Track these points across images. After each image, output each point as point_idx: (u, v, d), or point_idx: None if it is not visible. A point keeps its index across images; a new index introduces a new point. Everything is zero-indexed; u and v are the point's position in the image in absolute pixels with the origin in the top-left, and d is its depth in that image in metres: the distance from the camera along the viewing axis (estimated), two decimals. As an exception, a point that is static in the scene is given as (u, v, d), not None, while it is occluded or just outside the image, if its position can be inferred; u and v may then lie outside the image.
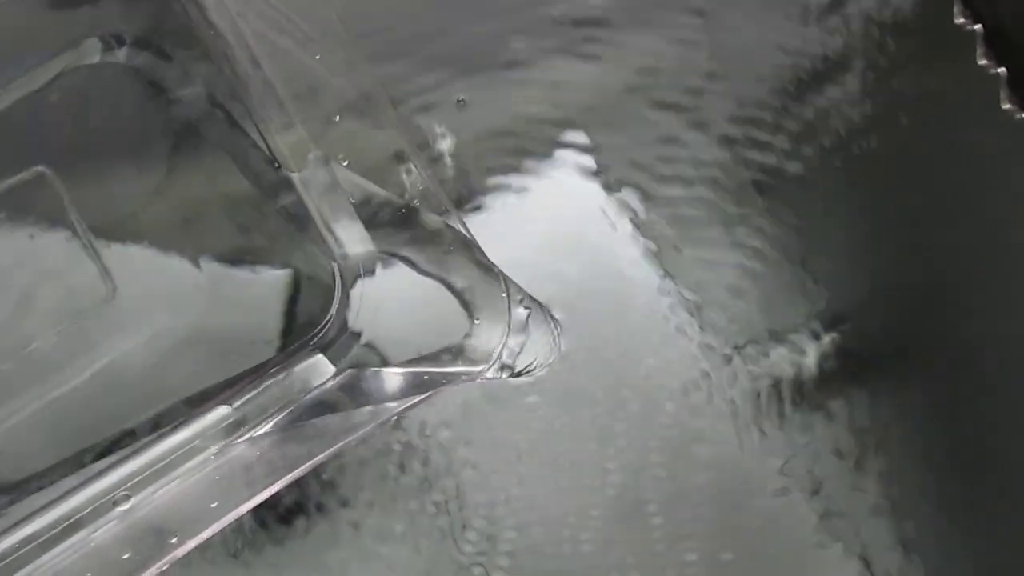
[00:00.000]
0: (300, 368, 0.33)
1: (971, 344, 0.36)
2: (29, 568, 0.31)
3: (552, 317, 0.33)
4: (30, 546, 0.31)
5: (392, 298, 0.33)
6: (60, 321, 0.33)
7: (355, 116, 0.32)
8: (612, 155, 0.38)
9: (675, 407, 0.38)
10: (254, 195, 0.34)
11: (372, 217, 0.33)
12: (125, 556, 0.30)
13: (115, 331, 0.33)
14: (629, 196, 0.38)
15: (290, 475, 0.30)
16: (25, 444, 0.32)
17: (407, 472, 0.37)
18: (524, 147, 0.38)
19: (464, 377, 0.31)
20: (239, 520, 0.34)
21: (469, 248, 0.32)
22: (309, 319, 0.34)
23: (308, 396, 0.32)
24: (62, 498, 0.32)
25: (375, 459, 0.37)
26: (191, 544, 0.30)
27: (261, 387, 0.33)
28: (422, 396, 0.31)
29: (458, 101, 0.38)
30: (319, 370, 0.33)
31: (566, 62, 0.38)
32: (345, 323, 0.33)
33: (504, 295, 0.32)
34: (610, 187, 0.38)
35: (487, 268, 0.32)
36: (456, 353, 0.32)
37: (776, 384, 0.38)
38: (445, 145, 0.38)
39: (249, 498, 0.30)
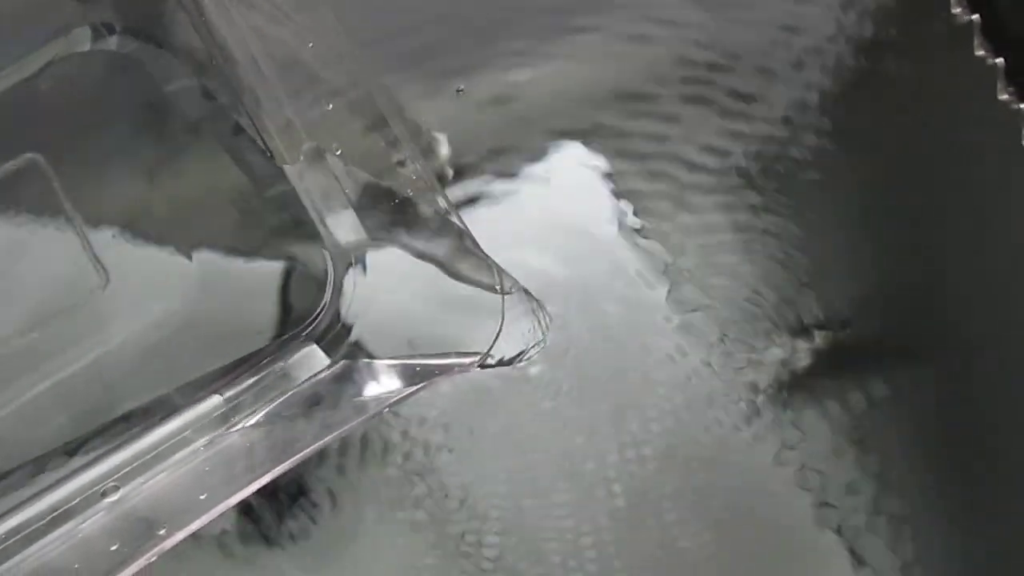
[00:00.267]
0: (293, 359, 0.33)
1: (970, 342, 0.36)
2: (16, 559, 0.30)
3: (543, 307, 0.33)
4: (16, 537, 0.31)
5: (385, 288, 0.33)
6: (51, 311, 0.33)
7: (349, 105, 0.31)
8: (610, 149, 0.38)
9: (671, 403, 0.38)
10: (247, 185, 0.34)
11: (365, 207, 0.33)
12: (113, 547, 0.30)
13: (106, 321, 0.33)
14: (626, 190, 0.38)
15: (281, 466, 0.30)
16: (15, 434, 0.32)
17: (401, 464, 0.37)
18: (522, 138, 0.38)
19: (457, 368, 0.31)
20: (231, 511, 0.33)
21: (463, 238, 0.32)
22: (302, 310, 0.34)
23: (300, 387, 0.32)
24: (49, 489, 0.31)
25: (368, 451, 0.36)
26: (180, 536, 0.29)
27: (253, 378, 0.32)
28: (415, 387, 0.31)
29: (457, 91, 0.37)
30: (312, 361, 0.33)
31: (567, 50, 0.38)
32: (338, 313, 0.33)
33: (497, 285, 0.32)
34: (607, 180, 0.38)
35: (480, 258, 0.32)
36: (449, 344, 0.32)
37: (774, 382, 0.38)
38: (441, 136, 0.37)
39: (239, 489, 0.30)
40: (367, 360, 0.32)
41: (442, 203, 0.32)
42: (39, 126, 0.33)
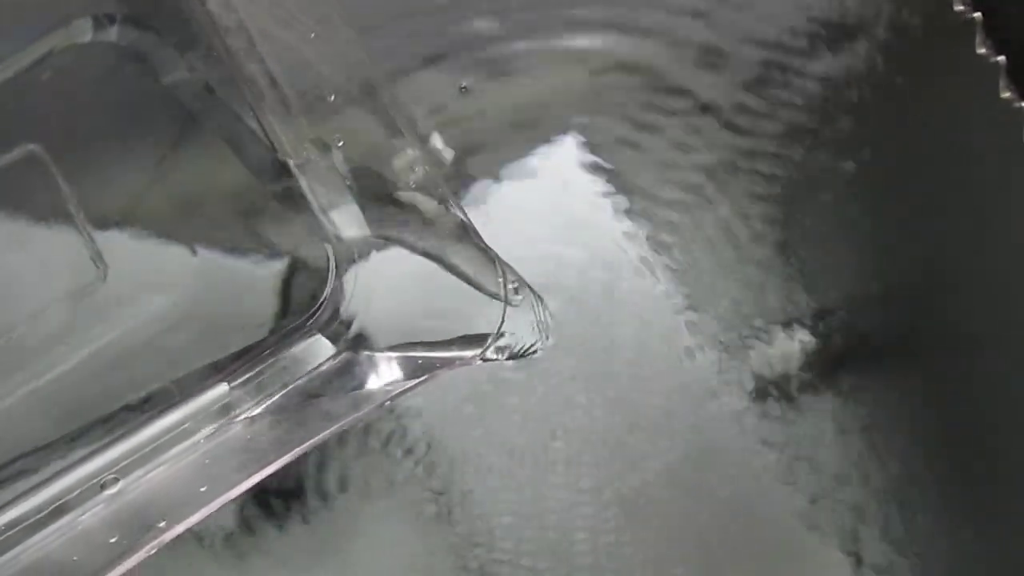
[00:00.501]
0: (295, 350, 0.33)
1: (971, 341, 0.36)
2: (15, 551, 0.30)
3: (542, 302, 0.32)
4: (16, 529, 0.31)
5: (387, 282, 0.33)
6: (51, 303, 0.33)
7: (351, 98, 0.31)
8: (611, 146, 0.38)
9: (671, 400, 0.38)
10: (248, 177, 0.34)
11: (368, 200, 0.32)
12: (112, 540, 0.30)
13: (106, 313, 0.33)
14: (627, 188, 0.38)
15: (281, 459, 0.30)
16: (15, 426, 0.32)
17: (400, 462, 0.36)
18: (525, 135, 0.38)
19: (459, 362, 0.31)
20: (230, 507, 0.33)
21: (465, 232, 0.32)
22: (303, 302, 0.34)
23: (302, 378, 0.32)
24: (49, 481, 0.31)
25: (370, 445, 0.36)
26: (179, 528, 0.29)
27: (255, 369, 0.32)
28: (417, 380, 0.31)
29: (461, 88, 0.37)
30: (314, 352, 0.33)
31: (568, 48, 0.38)
32: (339, 306, 0.33)
33: (500, 279, 0.32)
34: (608, 178, 0.38)
35: (483, 252, 0.32)
36: (451, 337, 0.32)
37: (773, 379, 0.38)
38: (443, 133, 0.37)
39: (239, 483, 0.30)
40: (369, 353, 0.32)
41: (445, 196, 0.31)
42: (39, 117, 0.33)
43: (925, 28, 0.36)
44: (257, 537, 0.36)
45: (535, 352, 0.33)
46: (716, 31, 0.38)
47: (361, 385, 0.32)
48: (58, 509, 0.31)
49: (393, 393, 0.31)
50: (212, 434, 0.32)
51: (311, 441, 0.31)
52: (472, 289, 0.32)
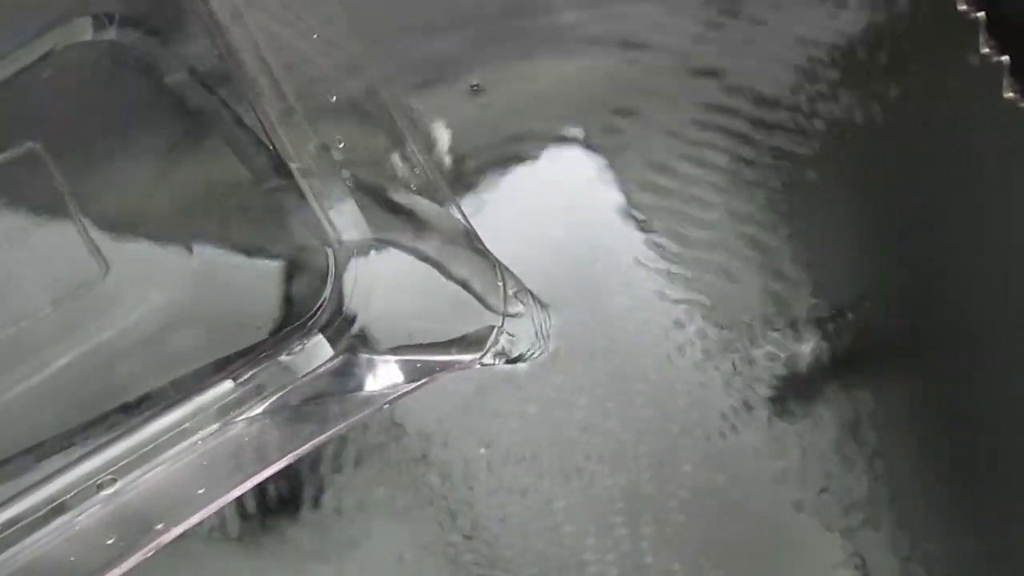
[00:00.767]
0: (293, 352, 0.33)
1: (972, 341, 0.36)
2: (11, 551, 0.30)
3: (544, 306, 0.32)
4: (12, 529, 0.30)
5: (386, 284, 0.33)
6: (49, 300, 0.33)
7: (352, 98, 0.31)
8: (612, 145, 0.38)
9: (671, 401, 0.38)
10: (248, 177, 0.34)
11: (368, 203, 0.32)
12: (110, 541, 0.30)
13: (105, 311, 0.33)
14: (627, 186, 0.38)
15: (279, 462, 0.30)
16: (12, 423, 0.32)
17: (399, 464, 0.36)
18: (523, 133, 0.38)
19: (458, 365, 0.31)
20: (228, 508, 0.33)
21: (466, 236, 0.31)
22: (303, 304, 0.34)
23: (300, 381, 0.32)
24: (45, 480, 0.31)
25: (369, 447, 0.36)
26: (177, 531, 0.29)
27: (253, 370, 0.32)
28: (416, 383, 0.31)
29: (472, 87, 0.37)
30: (313, 355, 0.33)
31: (568, 48, 0.38)
32: (339, 308, 0.33)
33: (500, 284, 0.32)
34: (608, 176, 0.38)
35: (483, 256, 0.32)
36: (450, 340, 0.32)
37: (775, 380, 0.38)
38: (443, 131, 0.37)
39: (237, 484, 0.30)
40: (368, 355, 0.32)
41: (446, 199, 0.31)
42: (39, 115, 0.33)
43: (928, 27, 0.36)
44: (256, 538, 0.36)
45: (534, 356, 0.33)
46: (718, 34, 0.38)
47: (360, 387, 0.32)
48: (55, 509, 0.31)
49: (392, 396, 0.31)
50: (210, 435, 0.32)
51: (310, 443, 0.30)
52: (472, 293, 0.32)
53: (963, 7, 0.34)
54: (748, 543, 0.37)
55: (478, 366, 0.31)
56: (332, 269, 0.33)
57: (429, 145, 0.37)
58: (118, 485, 0.31)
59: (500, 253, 0.32)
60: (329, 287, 0.33)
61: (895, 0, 0.36)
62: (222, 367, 0.33)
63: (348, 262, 0.33)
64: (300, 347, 0.33)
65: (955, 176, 0.36)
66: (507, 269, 0.32)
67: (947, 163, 0.36)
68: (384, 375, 0.32)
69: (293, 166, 0.32)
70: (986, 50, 0.34)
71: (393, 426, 0.36)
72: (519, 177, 0.38)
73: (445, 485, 0.37)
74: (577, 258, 0.38)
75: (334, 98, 0.31)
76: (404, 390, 0.31)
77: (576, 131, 0.38)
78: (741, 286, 0.38)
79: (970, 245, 0.36)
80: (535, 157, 0.38)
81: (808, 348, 0.38)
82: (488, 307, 0.32)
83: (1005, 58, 0.34)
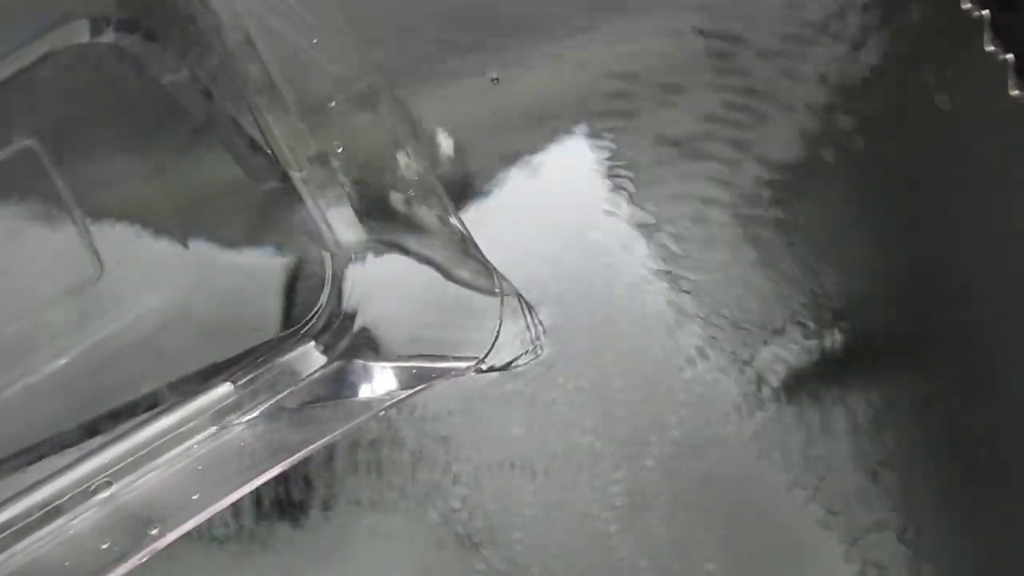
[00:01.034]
0: (289, 357, 0.33)
1: (974, 341, 0.36)
2: (4, 555, 0.30)
3: (536, 314, 0.32)
4: (5, 533, 0.30)
5: (383, 289, 0.33)
6: (44, 300, 0.33)
7: (352, 103, 0.31)
8: (612, 144, 0.38)
9: (671, 401, 0.38)
10: (244, 179, 0.34)
11: (366, 207, 0.32)
12: (104, 546, 0.30)
13: (99, 312, 0.33)
14: (628, 185, 0.38)
15: (275, 468, 0.30)
16: (6, 425, 0.32)
17: (398, 464, 0.36)
18: (523, 133, 0.38)
19: (453, 372, 0.31)
20: (225, 512, 0.33)
21: (463, 241, 0.31)
22: (299, 307, 0.33)
23: (297, 385, 0.32)
24: (40, 484, 0.31)
25: (367, 451, 0.36)
26: (172, 536, 0.29)
27: (249, 375, 0.32)
28: (411, 390, 0.31)
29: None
30: (309, 360, 0.33)
31: (568, 47, 0.38)
32: (336, 313, 0.33)
33: (496, 290, 0.32)
34: (608, 175, 0.38)
35: (479, 262, 0.31)
36: (446, 346, 0.32)
37: (775, 380, 0.38)
38: (443, 132, 0.37)
39: (233, 490, 0.30)
40: (362, 362, 0.32)
41: (443, 205, 0.31)
42: (37, 115, 0.32)
43: (932, 26, 0.36)
44: (253, 542, 0.36)
45: (529, 362, 0.33)
46: (720, 31, 0.38)
47: (355, 393, 0.32)
48: (49, 513, 0.31)
49: (388, 402, 0.31)
50: (206, 439, 0.32)
51: (306, 449, 0.30)
52: (469, 299, 0.32)
53: (967, 6, 0.34)
54: (749, 542, 0.37)
55: (474, 373, 0.31)
56: (329, 273, 0.33)
57: (431, 146, 0.37)
58: (113, 489, 0.31)
59: (496, 251, 0.32)
60: (326, 291, 0.33)
61: (901, -1, 0.36)
62: (218, 370, 0.33)
63: (345, 266, 0.33)
64: (297, 351, 0.33)
65: (960, 174, 0.36)
66: (503, 275, 0.31)
67: (953, 161, 0.36)
68: (380, 381, 0.32)
69: (298, 181, 0.32)
70: (991, 48, 0.34)
71: (391, 429, 0.36)
72: (515, 174, 0.38)
73: (443, 488, 0.37)
74: (574, 256, 0.38)
75: (333, 103, 0.31)
76: (400, 396, 0.31)
77: (574, 128, 0.38)
78: (742, 288, 0.38)
79: (973, 244, 0.36)
80: (531, 155, 0.38)
81: (809, 348, 0.38)
82: (484, 313, 0.32)
83: (1010, 56, 0.34)
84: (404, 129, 0.31)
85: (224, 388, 0.32)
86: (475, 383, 0.36)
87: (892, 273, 0.38)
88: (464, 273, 0.32)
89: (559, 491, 0.37)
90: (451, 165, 0.37)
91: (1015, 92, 0.34)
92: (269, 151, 0.32)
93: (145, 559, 0.29)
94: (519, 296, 0.31)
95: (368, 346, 0.32)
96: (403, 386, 0.31)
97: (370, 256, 0.33)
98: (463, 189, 0.37)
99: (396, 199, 0.32)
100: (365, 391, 0.32)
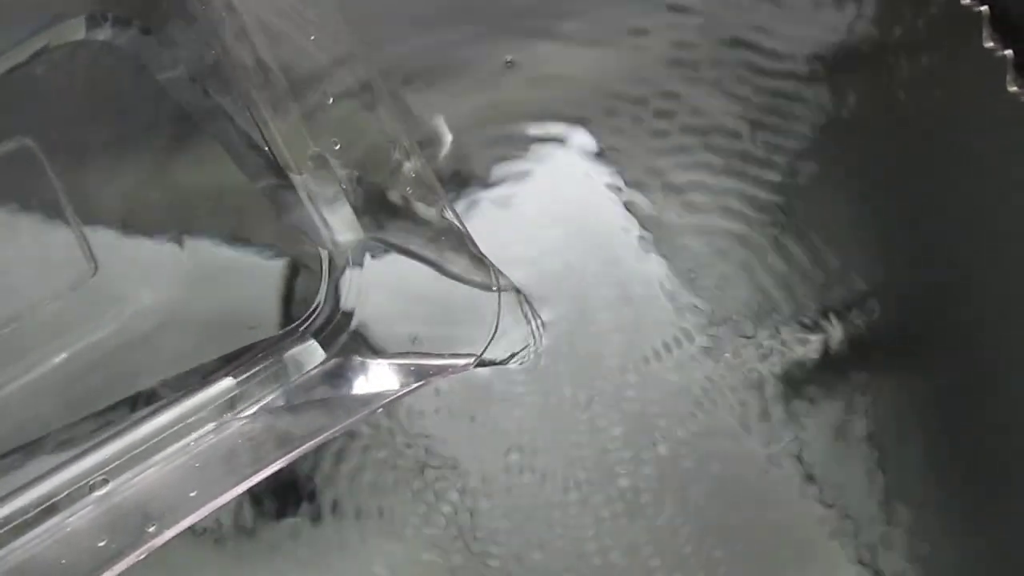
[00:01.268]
0: (288, 354, 0.33)
1: (975, 341, 0.36)
2: (1, 552, 0.30)
3: (535, 310, 0.32)
4: (2, 530, 0.30)
5: (382, 287, 0.33)
6: (40, 298, 0.32)
7: (350, 99, 0.31)
8: (612, 140, 0.38)
9: (673, 400, 0.38)
10: (240, 176, 0.34)
11: (364, 204, 0.32)
12: (101, 543, 0.29)
13: (94, 310, 0.33)
14: (628, 183, 0.38)
15: (273, 465, 0.30)
16: (3, 422, 0.32)
17: (398, 464, 0.36)
18: (522, 130, 0.38)
19: (452, 369, 0.31)
20: (223, 509, 0.33)
21: (461, 238, 0.31)
22: (297, 305, 0.33)
23: (295, 383, 0.32)
24: (36, 481, 0.31)
25: (365, 450, 0.36)
26: (170, 533, 0.29)
27: (247, 372, 0.32)
28: (410, 387, 0.31)
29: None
30: (307, 357, 0.33)
31: (565, 44, 0.38)
32: (334, 310, 0.33)
33: (494, 287, 0.32)
34: (608, 172, 0.38)
35: (477, 259, 0.32)
36: (445, 343, 0.32)
37: (776, 378, 0.38)
38: (443, 129, 0.37)
39: (231, 487, 0.30)
40: (360, 359, 0.32)
41: (441, 202, 0.31)
42: (32, 112, 0.32)
43: (931, 21, 0.36)
44: (251, 541, 0.35)
45: (528, 358, 0.33)
46: (719, 30, 0.38)
47: (355, 390, 0.32)
48: (46, 510, 0.31)
49: (386, 399, 0.31)
50: (203, 437, 0.31)
51: (304, 446, 0.30)
52: (467, 296, 0.32)
53: (966, 1, 0.34)
54: (752, 542, 0.37)
55: (472, 369, 0.31)
56: (327, 270, 0.33)
57: (426, 142, 0.37)
58: (110, 486, 0.31)
59: (495, 248, 0.32)
60: (324, 289, 0.33)
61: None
62: (215, 368, 0.33)
63: (343, 264, 0.33)
64: (296, 348, 0.33)
65: (959, 171, 0.36)
66: (500, 272, 0.31)
67: (951, 157, 0.36)
68: (379, 378, 0.32)
69: (298, 184, 0.32)
70: (990, 44, 0.34)
71: (389, 429, 0.36)
72: (515, 171, 0.38)
73: (444, 488, 0.36)
74: (574, 253, 0.38)
75: (331, 100, 0.31)
76: (399, 393, 0.31)
77: (574, 125, 0.38)
78: (743, 285, 0.38)
79: (973, 243, 0.36)
80: (530, 152, 0.38)
81: (808, 347, 0.38)
82: (482, 309, 0.32)
83: (1009, 52, 0.34)
84: (402, 126, 0.31)
85: (221, 385, 0.32)
86: (477, 382, 0.36)
87: (892, 272, 0.38)
88: (462, 269, 0.32)
89: (561, 491, 0.37)
90: (449, 160, 0.37)
91: (1014, 88, 0.34)
92: (266, 149, 0.32)
93: (143, 557, 0.29)
94: (517, 291, 0.31)
95: (366, 343, 0.32)
96: (401, 382, 0.31)
97: (368, 253, 0.33)
98: (461, 184, 0.37)
99: (394, 196, 0.32)
100: (363, 388, 0.32)
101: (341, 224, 0.33)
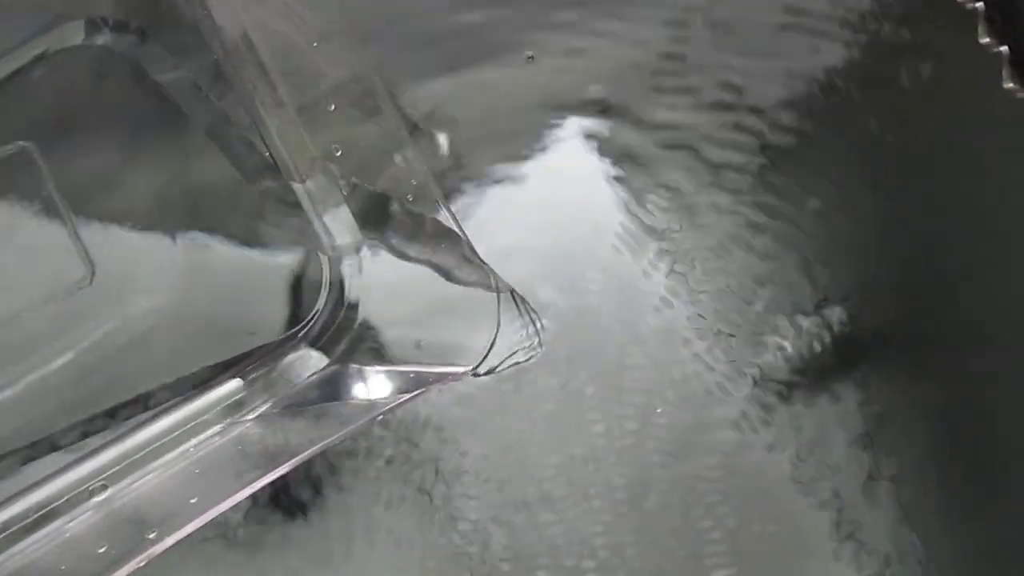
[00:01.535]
0: (287, 360, 0.32)
1: (978, 338, 0.36)
2: (1, 558, 0.30)
3: (537, 316, 0.32)
4: (1, 535, 0.30)
5: (381, 293, 0.33)
6: (37, 300, 0.32)
7: (351, 106, 0.31)
8: (612, 137, 0.38)
9: (676, 397, 0.38)
10: (239, 180, 0.33)
11: (363, 210, 0.32)
12: (101, 549, 0.29)
13: (91, 314, 0.33)
14: (628, 180, 0.38)
15: (272, 473, 0.30)
16: (1, 427, 0.32)
17: (398, 463, 0.36)
18: (522, 127, 0.38)
19: (451, 376, 0.31)
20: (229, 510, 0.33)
21: (460, 244, 0.31)
22: (296, 310, 0.33)
23: (293, 389, 0.32)
24: (36, 486, 0.31)
25: (365, 450, 0.36)
26: (170, 540, 0.29)
27: (246, 379, 0.32)
28: (409, 395, 0.31)
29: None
30: (306, 363, 0.33)
31: (562, 41, 0.38)
32: (333, 317, 0.33)
33: (493, 292, 0.32)
34: (608, 170, 0.38)
35: (476, 265, 0.31)
36: (444, 349, 0.32)
37: (776, 376, 0.38)
38: (441, 131, 0.37)
39: (231, 494, 0.30)
40: (361, 366, 0.32)
41: (441, 208, 0.31)
42: (31, 115, 0.32)
43: (927, 18, 0.36)
44: (255, 539, 0.35)
45: (527, 362, 0.32)
46: (718, 27, 0.38)
47: (352, 398, 0.32)
48: (45, 515, 0.31)
49: (385, 407, 0.31)
50: (202, 443, 0.31)
51: (304, 453, 0.30)
52: (465, 303, 0.31)
53: (963, -3, 0.34)
54: (751, 540, 0.37)
55: (472, 377, 0.31)
56: (327, 276, 0.33)
57: (425, 142, 0.37)
58: (109, 492, 0.31)
59: (495, 246, 0.32)
60: (324, 294, 0.33)
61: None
62: (214, 373, 0.32)
63: (343, 269, 0.33)
64: (295, 355, 0.32)
65: (955, 167, 0.36)
66: (499, 276, 0.31)
67: (947, 154, 0.36)
68: (376, 386, 0.32)
69: (301, 192, 0.32)
70: (985, 40, 0.34)
71: (391, 431, 0.36)
72: (515, 170, 0.38)
73: (444, 490, 0.36)
74: (573, 251, 0.38)
75: (333, 106, 0.31)
76: (397, 401, 0.31)
77: (573, 123, 0.38)
78: (742, 285, 0.38)
79: (970, 238, 0.36)
80: (529, 149, 0.38)
81: (808, 346, 0.38)
82: (481, 316, 0.32)
83: (1004, 48, 0.34)
84: (403, 132, 0.31)
85: (227, 387, 0.32)
86: (479, 383, 0.36)
87: (892, 265, 0.38)
88: (461, 276, 0.32)
89: (563, 489, 0.37)
90: (450, 164, 0.37)
91: (1009, 84, 0.34)
92: (267, 154, 0.32)
93: (143, 564, 0.29)
94: (517, 296, 0.31)
95: (366, 350, 0.32)
96: (401, 390, 0.31)
97: (368, 259, 0.33)
98: (461, 187, 0.37)
99: (393, 201, 0.32)
100: (363, 395, 0.32)
101: (341, 229, 0.32)
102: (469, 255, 0.31)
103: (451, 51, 0.37)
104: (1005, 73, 0.34)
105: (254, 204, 0.34)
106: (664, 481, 0.37)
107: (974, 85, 0.34)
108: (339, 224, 0.32)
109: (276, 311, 0.34)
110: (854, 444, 0.37)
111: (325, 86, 0.31)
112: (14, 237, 0.32)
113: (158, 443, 0.32)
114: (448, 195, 0.36)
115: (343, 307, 0.33)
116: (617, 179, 0.38)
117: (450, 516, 0.36)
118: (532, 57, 0.37)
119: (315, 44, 0.30)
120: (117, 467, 0.31)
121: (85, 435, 0.32)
